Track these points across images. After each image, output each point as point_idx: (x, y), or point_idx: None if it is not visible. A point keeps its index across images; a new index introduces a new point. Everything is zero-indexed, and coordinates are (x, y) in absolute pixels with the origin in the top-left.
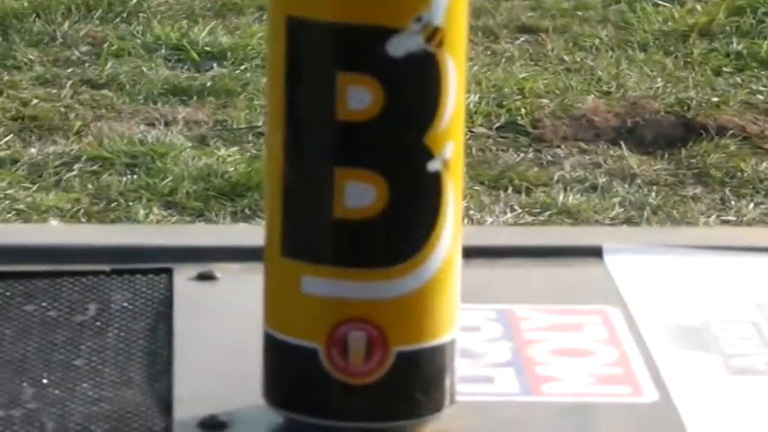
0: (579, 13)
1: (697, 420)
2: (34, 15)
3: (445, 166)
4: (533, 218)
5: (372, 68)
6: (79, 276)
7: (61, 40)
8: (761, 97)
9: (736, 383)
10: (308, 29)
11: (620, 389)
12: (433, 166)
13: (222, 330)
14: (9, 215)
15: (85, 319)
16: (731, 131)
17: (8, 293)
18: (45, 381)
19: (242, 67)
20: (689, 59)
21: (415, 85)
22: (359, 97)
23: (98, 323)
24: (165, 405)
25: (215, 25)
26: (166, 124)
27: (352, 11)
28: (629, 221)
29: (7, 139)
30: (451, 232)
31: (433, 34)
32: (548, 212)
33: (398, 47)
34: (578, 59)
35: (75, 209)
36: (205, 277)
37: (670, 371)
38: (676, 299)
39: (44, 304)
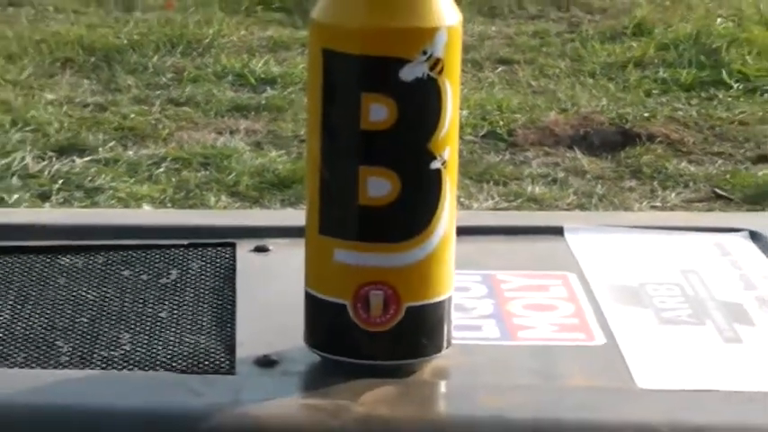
0: (543, 48)
1: (635, 358)
2: (131, 50)
3: (444, 166)
4: (508, 204)
5: (388, 90)
6: (164, 249)
7: (152, 69)
8: (681, 113)
9: (665, 330)
10: (339, 59)
11: (577, 335)
12: (434, 165)
13: (273, 290)
14: (112, 201)
15: (169, 282)
16: (658, 138)
17: (110, 261)
18: (138, 329)
19: (288, 90)
20: (626, 84)
21: (421, 103)
22: (378, 112)
23: (178, 285)
24: (230, 347)
25: (268, 58)
26: (231, 133)
27: (373, 45)
28: (581, 207)
29: (111, 144)
30: (448, 215)
31: (435, 64)
32: (519, 200)
33: (409, 73)
34: (543, 84)
35: (162, 197)
36: (260, 250)
37: (615, 321)
38: (619, 266)
39: (137, 270)
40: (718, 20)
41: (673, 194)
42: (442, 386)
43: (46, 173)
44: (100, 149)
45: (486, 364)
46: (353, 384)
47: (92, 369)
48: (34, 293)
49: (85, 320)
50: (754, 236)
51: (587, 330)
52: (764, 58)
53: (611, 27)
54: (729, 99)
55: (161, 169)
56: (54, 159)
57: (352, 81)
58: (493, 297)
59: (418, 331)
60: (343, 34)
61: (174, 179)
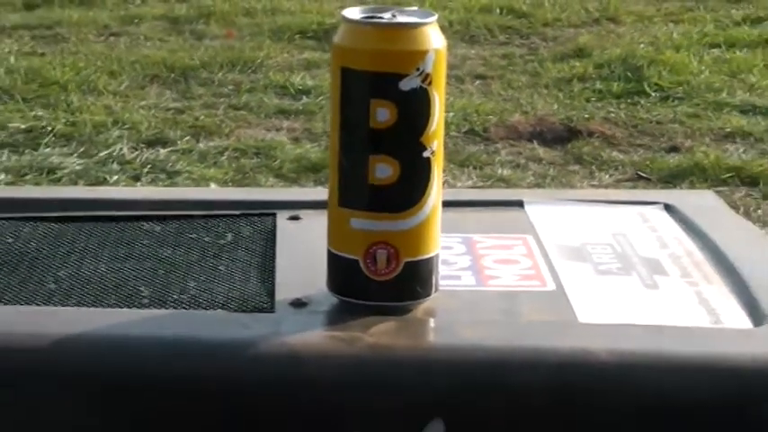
0: (510, 67)
1: (577, 300)
2: (202, 68)
3: (432, 155)
4: (483, 183)
5: (391, 97)
6: (223, 217)
7: (217, 82)
8: (612, 115)
9: (600, 279)
10: (353, 74)
11: (533, 282)
12: (425, 154)
13: (303, 249)
14: (187, 181)
15: (225, 242)
16: (596, 134)
17: (181, 227)
18: (202, 278)
19: (319, 98)
20: (572, 94)
21: (415, 107)
22: (382, 113)
23: (232, 245)
24: (270, 292)
25: (304, 74)
26: (276, 130)
27: (379, 64)
28: (537, 185)
29: (186, 138)
30: (436, 192)
31: (426, 78)
32: (491, 180)
33: (406, 85)
34: (509, 94)
35: (224, 178)
36: (294, 218)
37: (562, 272)
38: (566, 230)
39: (202, 233)
40: (641, 45)
41: (606, 176)
42: (431, 322)
43: (137, 160)
44: (178, 142)
45: (465, 305)
46: (364, 321)
47: (166, 309)
48: (123, 252)
49: (162, 272)
50: (668, 207)
51: (541, 279)
52: (675, 73)
53: (561, 51)
54: (649, 104)
55: (224, 157)
56: (144, 150)
57: (363, 90)
58: (470, 254)
59: (413, 280)
60: (357, 55)
61: (233, 165)
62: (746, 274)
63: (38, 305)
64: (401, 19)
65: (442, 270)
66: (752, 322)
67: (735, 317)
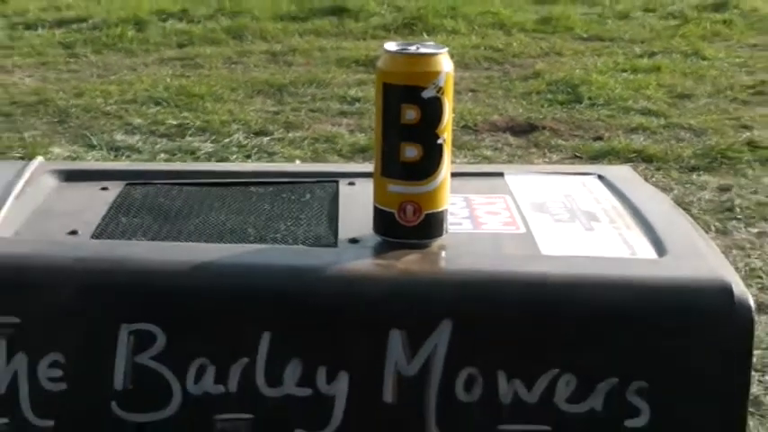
0: (491, 84)
1: (541, 239)
2: (290, 85)
3: (444, 142)
4: (474, 160)
5: (415, 102)
6: (304, 183)
7: (300, 94)
8: (558, 116)
9: (556, 225)
10: (390, 87)
11: (511, 227)
12: (439, 141)
13: (358, 204)
14: (281, 159)
15: (304, 200)
16: (547, 128)
17: (276, 190)
18: (289, 224)
19: (367, 104)
20: (532, 102)
21: (432, 110)
22: (410, 114)
23: (309, 201)
24: (335, 233)
25: (357, 89)
26: (339, 126)
27: (407, 80)
28: (510, 162)
29: (280, 131)
30: (446, 167)
31: (440, 89)
32: (479, 158)
33: (426, 94)
34: (491, 102)
35: (305, 157)
36: (351, 184)
37: (530, 220)
38: (532, 192)
39: (288, 194)
40: (576, 70)
41: (555, 156)
42: (443, 253)
43: (249, 145)
44: (275, 133)
45: (464, 243)
46: (397, 253)
47: (265, 244)
48: (237, 206)
49: (262, 220)
50: (600, 177)
51: (516, 225)
52: (598, 89)
53: (524, 74)
54: (581, 109)
55: (305, 143)
56: (253, 138)
57: (397, 98)
58: (467, 208)
59: (431, 225)
60: (393, 75)
61: (311, 148)
62: (652, 222)
63: (181, 242)
64: (423, 50)
65: (449, 219)
66: (657, 254)
67: (645, 251)
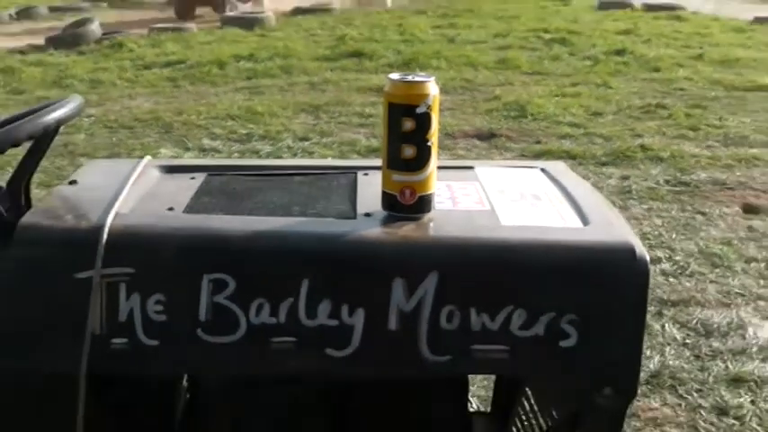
0: (463, 105)
1: (501, 214)
2: (324, 105)
3: (432, 144)
4: (451, 157)
5: (412, 116)
6: (331, 174)
7: (331, 112)
8: (510, 126)
9: (512, 204)
10: (394, 105)
11: (479, 205)
12: (429, 144)
13: (371, 188)
14: (317, 156)
15: (331, 185)
16: (503, 136)
17: (313, 179)
18: (322, 202)
19: (377, 119)
20: (492, 117)
21: (424, 121)
22: (407, 124)
23: (335, 186)
24: (354, 208)
25: (370, 107)
26: (357, 133)
27: (406, 99)
28: (477, 158)
29: (317, 137)
30: (434, 162)
31: (429, 107)
32: (455, 156)
33: (419, 109)
34: (464, 117)
35: (334, 155)
36: (366, 174)
37: (493, 200)
38: (495, 180)
39: (323, 181)
40: (523, 95)
41: (509, 155)
42: (431, 224)
43: (295, 147)
44: (313, 139)
45: (445, 217)
46: (399, 223)
47: (305, 218)
48: (286, 190)
49: (303, 199)
50: (542, 170)
51: (483, 204)
52: (538, 108)
53: (486, 97)
54: (527, 122)
55: (334, 146)
56: (298, 142)
57: (398, 113)
58: (448, 192)
59: (423, 204)
60: (395, 96)
61: (338, 149)
62: (579, 201)
63: (246, 215)
64: (417, 79)
65: (435, 199)
66: (582, 224)
67: (574, 221)
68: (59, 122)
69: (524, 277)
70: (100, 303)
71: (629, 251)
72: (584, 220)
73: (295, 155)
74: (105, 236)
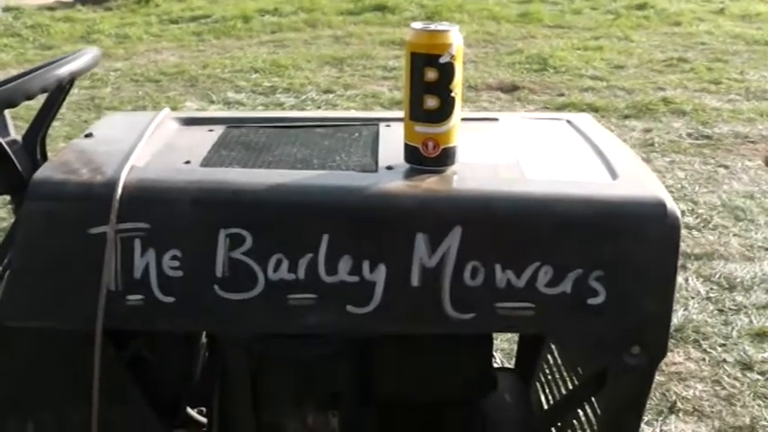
0: (486, 58)
1: (526, 167)
2: (348, 59)
3: (456, 95)
4: (476, 109)
5: (435, 65)
6: (354, 125)
7: (355, 65)
8: (533, 79)
9: (536, 156)
10: (416, 55)
11: (505, 158)
12: (452, 94)
13: (393, 140)
14: (340, 108)
15: (355, 137)
16: (526, 89)
17: (335, 130)
18: (343, 155)
19: (401, 71)
20: (515, 71)
21: (447, 71)
22: (430, 74)
23: (357, 138)
24: (375, 162)
25: (393, 59)
26: (381, 86)
27: (429, 49)
28: (501, 110)
29: (341, 90)
30: (457, 113)
31: (452, 56)
32: (480, 108)
33: (443, 59)
34: (487, 70)
35: (357, 107)
36: (388, 125)
37: (518, 154)
38: (520, 132)
39: (344, 133)
40: (546, 48)
41: (531, 107)
42: (455, 177)
43: (319, 100)
44: (337, 91)
45: (470, 170)
46: (422, 176)
47: (326, 170)
48: (306, 142)
49: (324, 152)
50: (568, 121)
51: (509, 157)
52: (560, 61)
53: (510, 50)
54: (550, 75)
55: (357, 98)
56: (322, 94)
57: (421, 63)
58: (472, 144)
59: (446, 156)
60: (418, 45)
61: (362, 101)
62: (607, 154)
63: (264, 168)
64: (439, 27)
65: (458, 152)
66: (611, 178)
67: (602, 175)
68: (73, 75)
69: (551, 233)
70: (115, 259)
71: (660, 206)
72: (613, 174)
73: (319, 107)
74: (120, 190)
